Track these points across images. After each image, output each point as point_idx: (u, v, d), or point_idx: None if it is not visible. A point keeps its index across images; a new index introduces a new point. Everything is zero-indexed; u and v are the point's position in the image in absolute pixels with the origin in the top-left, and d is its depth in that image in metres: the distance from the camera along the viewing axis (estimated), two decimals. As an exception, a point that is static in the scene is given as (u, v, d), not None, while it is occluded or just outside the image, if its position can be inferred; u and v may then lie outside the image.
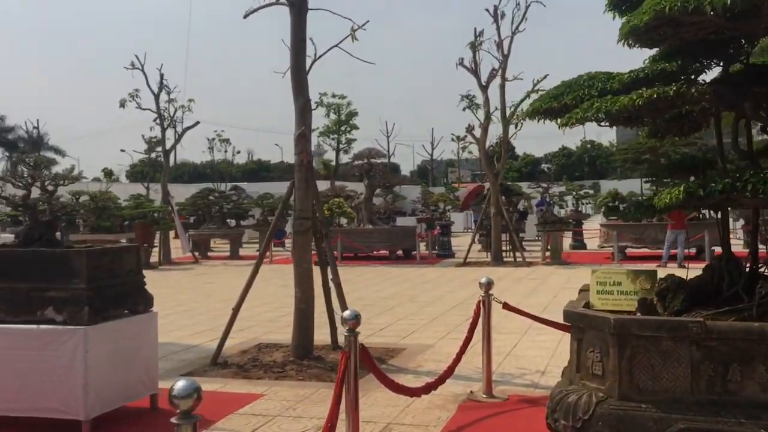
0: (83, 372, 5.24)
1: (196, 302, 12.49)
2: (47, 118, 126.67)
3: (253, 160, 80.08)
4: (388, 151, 47.42)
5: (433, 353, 7.84)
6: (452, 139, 58.32)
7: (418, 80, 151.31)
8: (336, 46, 8.16)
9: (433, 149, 49.46)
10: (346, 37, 8.12)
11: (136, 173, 45.73)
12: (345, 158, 32.44)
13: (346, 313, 4.52)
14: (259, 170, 76.19)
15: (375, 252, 20.18)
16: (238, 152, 58.36)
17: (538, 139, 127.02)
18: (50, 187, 5.76)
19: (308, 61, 7.92)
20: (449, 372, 5.63)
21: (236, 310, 7.75)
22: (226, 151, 51.94)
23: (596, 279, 4.35)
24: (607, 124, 4.43)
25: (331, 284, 7.82)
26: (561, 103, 4.56)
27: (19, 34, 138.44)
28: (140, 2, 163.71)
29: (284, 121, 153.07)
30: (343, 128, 31.99)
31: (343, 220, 21.51)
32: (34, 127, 52.91)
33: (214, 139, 49.46)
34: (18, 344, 5.39)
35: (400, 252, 20.28)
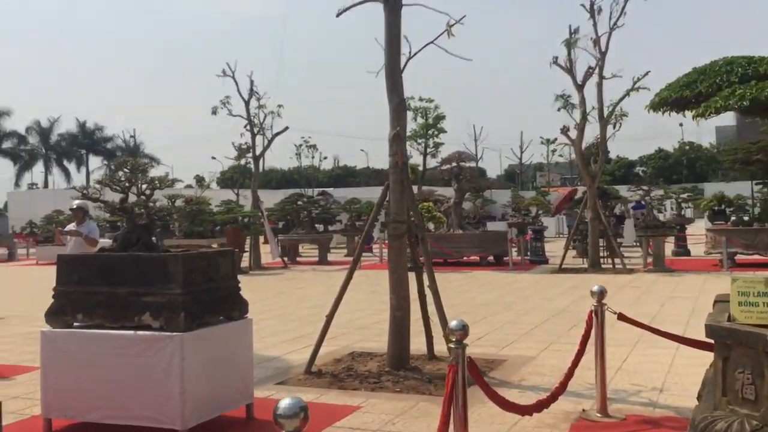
0: (180, 380, 5.11)
1: (287, 307, 12.41)
2: (143, 127, 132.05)
3: (339, 165, 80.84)
4: (476, 154, 46.78)
5: (536, 366, 7.38)
6: (541, 143, 57.23)
7: (506, 81, 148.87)
8: (431, 42, 7.83)
9: (522, 152, 48.52)
10: (442, 33, 7.79)
11: (226, 180, 46.83)
12: (432, 162, 32.15)
13: (453, 323, 4.17)
14: (345, 176, 76.85)
15: (465, 258, 19.74)
16: (325, 158, 59.03)
17: (630, 142, 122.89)
18: (147, 191, 5.64)
19: (402, 60, 7.64)
20: (561, 389, 5.19)
21: (330, 318, 7.53)
22: (313, 157, 52.70)
23: (737, 289, 3.83)
24: (751, 114, 3.92)
25: (428, 291, 7.49)
26: (694, 92, 4.07)
27: (115, 47, 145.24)
28: (231, 12, 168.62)
29: (370, 126, 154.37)
30: (430, 132, 31.67)
31: (431, 225, 21.15)
32: (131, 136, 55.17)
33: (301, 145, 50.31)
34: (116, 350, 5.32)
35: (490, 258, 19.74)
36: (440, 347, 7.70)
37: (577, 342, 8.25)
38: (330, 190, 39.22)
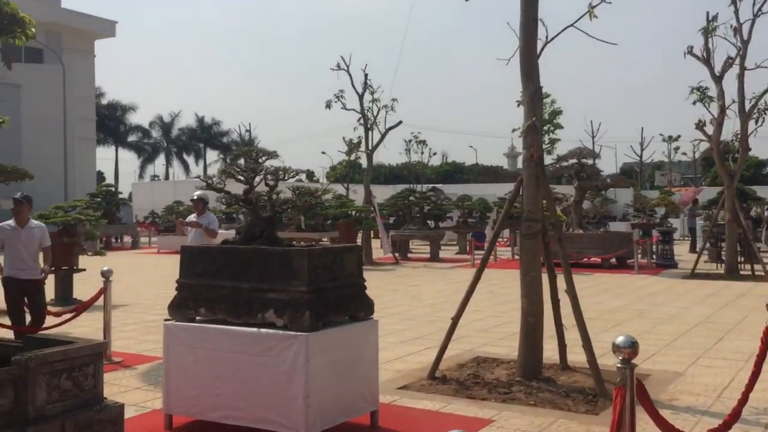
0: (304, 383, 4.78)
1: (402, 305, 12.03)
2: (257, 122, 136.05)
3: (448, 162, 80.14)
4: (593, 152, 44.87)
5: (686, 384, 6.62)
6: (663, 140, 54.35)
7: (626, 74, 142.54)
8: (571, 25, 7.20)
9: (642, 150, 46.16)
10: (584, 15, 7.14)
11: (337, 175, 47.25)
12: (548, 159, 31.00)
13: (620, 339, 3.61)
14: (453, 172, 76.05)
15: (585, 259, 18.75)
16: (434, 153, 58.64)
17: (763, 140, 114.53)
18: (271, 182, 5.34)
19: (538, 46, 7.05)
20: (735, 416, 4.48)
21: (455, 321, 7.04)
22: (422, 153, 52.38)
23: None
24: None
25: (564, 295, 6.87)
26: None
27: (232, 43, 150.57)
28: (349, 6, 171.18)
29: (480, 122, 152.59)
30: (546, 128, 30.55)
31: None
32: (247, 130, 56.69)
33: (410, 140, 50.06)
34: (238, 347, 5.06)
35: (612, 260, 18.67)
36: (574, 357, 7.08)
37: (730, 358, 7.41)
38: (440, 186, 38.67)
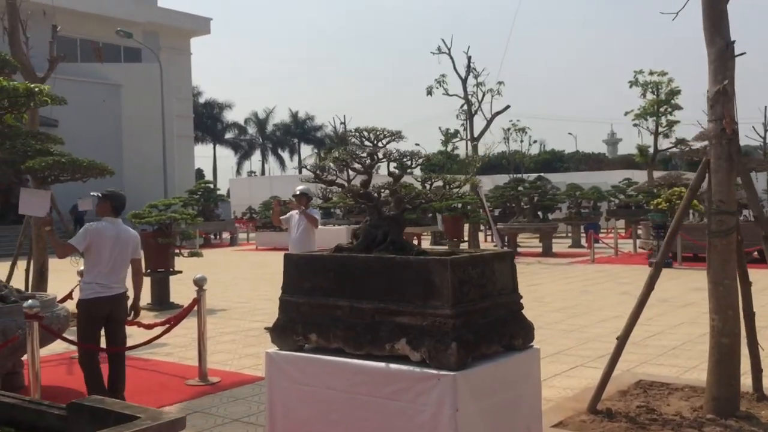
0: (452, 439, 3.53)
1: (528, 309, 10.53)
2: (351, 115, 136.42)
3: (546, 150, 77.35)
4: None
5: None
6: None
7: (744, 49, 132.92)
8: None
9: (766, 131, 42.30)
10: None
11: (433, 166, 45.97)
12: (664, 143, 28.65)
13: None
14: (552, 161, 73.29)
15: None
16: (535, 141, 56.48)
17: None
18: (396, 171, 4.09)
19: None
20: None
21: (623, 341, 5.60)
22: (521, 141, 50.41)
23: None
24: None
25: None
26: None
27: (324, 38, 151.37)
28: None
29: (579, 108, 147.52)
30: (662, 109, 28.15)
31: (690, 215, 18.25)
32: (341, 123, 56.14)
33: (509, 128, 48.17)
34: (360, 387, 3.86)
35: (755, 253, 16.50)
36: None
37: None
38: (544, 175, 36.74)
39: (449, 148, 37.65)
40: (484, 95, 20.55)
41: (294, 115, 71.19)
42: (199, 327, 6.86)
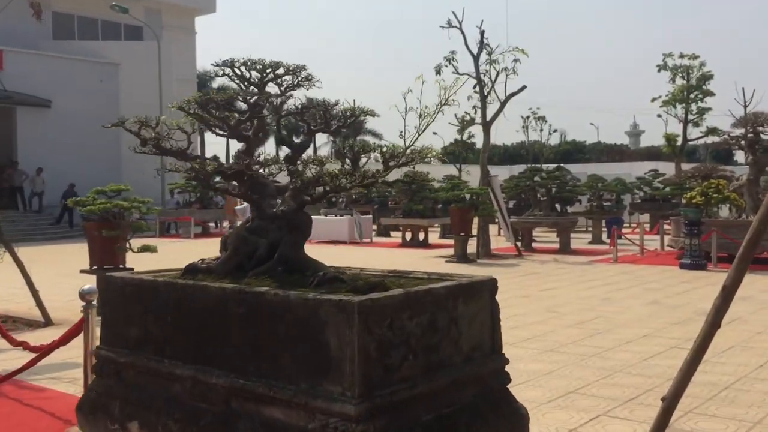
0: None
1: (537, 323, 8.73)
2: (362, 102, 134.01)
3: (567, 140, 75.02)
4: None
5: None
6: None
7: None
8: None
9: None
10: None
11: (448, 154, 44.07)
12: (695, 132, 26.52)
13: None
14: (573, 152, 71.00)
15: (766, 253, 14.68)
16: (555, 131, 54.31)
17: None
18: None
19: None
20: None
21: (671, 403, 3.70)
22: (541, 130, 48.33)
23: None
24: None
25: None
26: None
27: (333, 27, 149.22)
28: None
29: (601, 97, 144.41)
30: (693, 95, 25.99)
31: (724, 209, 16.28)
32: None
33: (528, 117, 46.09)
34: None
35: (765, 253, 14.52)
36: None
37: None
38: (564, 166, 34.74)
39: (465, 137, 35.73)
40: (498, 74, 18.55)
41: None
42: (85, 348, 5.06)
